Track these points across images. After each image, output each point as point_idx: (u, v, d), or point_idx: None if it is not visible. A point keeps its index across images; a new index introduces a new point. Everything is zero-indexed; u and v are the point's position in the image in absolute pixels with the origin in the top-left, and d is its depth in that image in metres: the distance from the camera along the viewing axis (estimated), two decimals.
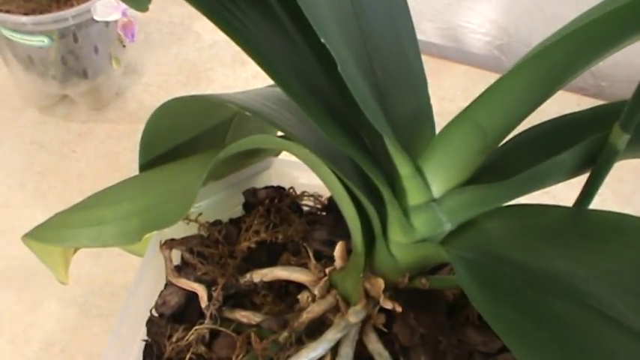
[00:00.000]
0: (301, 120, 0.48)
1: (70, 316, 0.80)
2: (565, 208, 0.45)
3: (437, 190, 0.45)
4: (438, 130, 0.45)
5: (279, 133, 0.49)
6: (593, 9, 0.42)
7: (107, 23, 0.92)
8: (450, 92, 1.04)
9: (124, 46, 0.92)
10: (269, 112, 0.48)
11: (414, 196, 0.45)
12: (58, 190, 0.94)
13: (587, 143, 0.42)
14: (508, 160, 0.47)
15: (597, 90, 1.09)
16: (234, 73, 1.07)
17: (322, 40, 0.37)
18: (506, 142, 0.47)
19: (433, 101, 0.93)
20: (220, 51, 1.08)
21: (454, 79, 1.06)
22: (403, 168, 0.44)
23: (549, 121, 0.48)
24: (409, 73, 0.49)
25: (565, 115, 0.48)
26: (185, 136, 0.59)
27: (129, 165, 0.96)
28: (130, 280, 0.83)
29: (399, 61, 0.49)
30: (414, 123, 0.48)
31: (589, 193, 0.44)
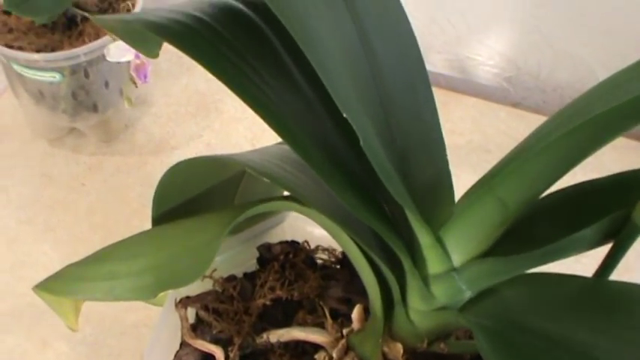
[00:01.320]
0: (318, 184, 0.48)
1: (79, 356, 0.80)
2: (586, 278, 0.45)
3: (457, 260, 0.45)
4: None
5: None
6: (617, 81, 0.42)
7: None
8: (459, 125, 1.04)
9: (136, 86, 0.92)
10: (286, 175, 0.48)
11: (434, 265, 0.45)
12: (68, 225, 0.94)
13: (609, 219, 0.42)
14: (529, 228, 0.47)
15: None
16: (242, 104, 1.06)
17: (344, 115, 0.37)
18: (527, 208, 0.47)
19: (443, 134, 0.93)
20: None
21: (463, 111, 1.06)
22: (424, 238, 0.44)
23: (572, 186, 0.48)
24: (428, 139, 0.49)
25: (583, 183, 0.48)
26: (197, 190, 0.59)
27: (138, 199, 0.96)
28: (141, 318, 0.83)
29: (418, 128, 0.49)
30: (433, 190, 0.48)
31: (610, 264, 0.44)
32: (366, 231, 0.47)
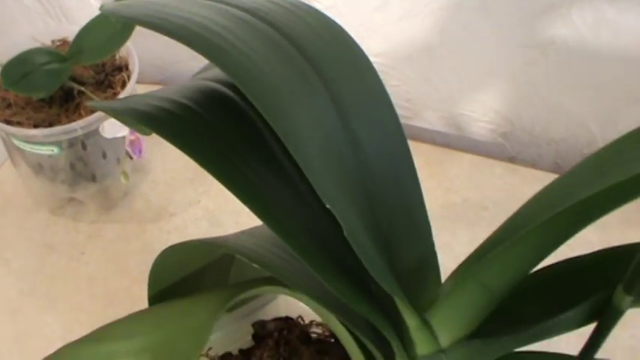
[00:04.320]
0: (304, 266, 0.49)
1: None
2: (571, 357, 0.45)
3: (444, 341, 0.45)
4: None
5: None
6: (600, 160, 0.43)
7: None
8: (455, 183, 1.04)
9: (132, 159, 0.93)
10: (275, 260, 0.49)
11: (422, 347, 0.46)
12: (69, 295, 0.95)
13: (592, 302, 0.42)
14: (516, 308, 0.47)
15: None
16: None
17: (327, 206, 0.38)
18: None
19: (438, 193, 0.94)
20: None
21: (459, 168, 1.07)
22: (411, 320, 0.45)
23: (552, 266, 0.48)
24: (413, 222, 0.50)
25: (566, 261, 0.48)
26: (191, 269, 0.60)
27: (138, 266, 0.96)
28: None
29: (403, 212, 0.50)
30: (419, 272, 0.49)
31: (594, 344, 0.44)
32: (355, 313, 0.48)
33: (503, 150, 1.14)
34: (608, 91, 1.01)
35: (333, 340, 0.63)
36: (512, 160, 1.13)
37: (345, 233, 0.39)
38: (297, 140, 0.39)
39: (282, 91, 0.41)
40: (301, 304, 0.63)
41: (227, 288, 0.55)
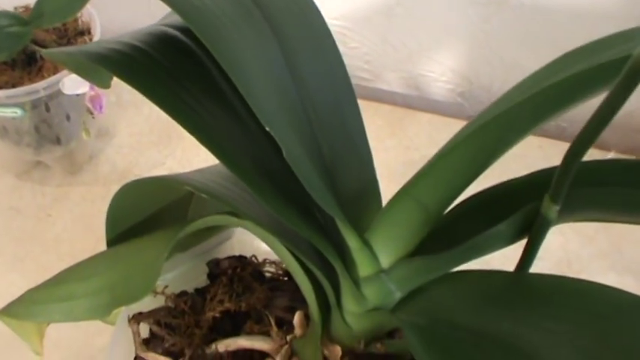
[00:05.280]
0: (256, 199, 0.50)
1: None
2: (508, 273, 0.46)
3: (385, 262, 0.47)
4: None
5: None
6: (524, 83, 0.44)
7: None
8: (414, 141, 1.06)
9: (93, 117, 0.94)
10: (224, 192, 0.50)
11: (363, 268, 0.47)
12: (36, 255, 0.96)
13: (522, 214, 0.44)
14: (453, 228, 0.49)
15: (558, 131, 1.11)
16: None
17: (267, 129, 0.40)
18: (451, 208, 0.49)
19: (399, 151, 0.96)
20: None
21: (418, 127, 1.08)
22: (352, 241, 0.46)
23: (491, 188, 0.50)
24: (355, 149, 0.52)
25: (505, 182, 0.50)
26: (149, 211, 0.61)
27: (103, 227, 0.97)
28: (108, 342, 0.84)
29: (345, 140, 0.51)
30: (361, 198, 0.50)
31: (528, 258, 0.46)
32: (300, 240, 0.49)
33: (462, 110, 1.16)
34: (564, 47, 1.03)
35: (286, 279, 0.64)
36: (471, 119, 1.15)
37: (285, 154, 0.40)
38: (238, 68, 0.41)
39: (226, 25, 0.43)
40: (255, 244, 0.65)
41: (179, 224, 0.56)
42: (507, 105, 0.39)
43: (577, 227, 0.95)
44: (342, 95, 0.53)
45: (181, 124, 0.42)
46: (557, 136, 1.09)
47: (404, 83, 1.16)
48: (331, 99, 0.52)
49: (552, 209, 0.42)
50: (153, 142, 1.10)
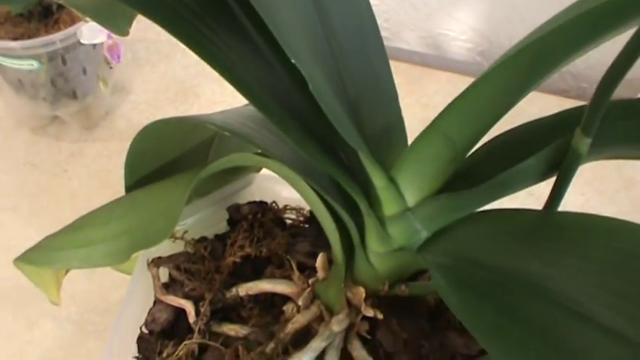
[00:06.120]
0: (279, 138, 0.49)
1: (65, 334, 0.82)
2: (536, 211, 0.46)
3: (411, 200, 0.46)
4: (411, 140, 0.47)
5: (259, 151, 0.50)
6: (557, 16, 0.43)
7: (94, 45, 0.93)
8: (433, 99, 1.05)
9: (110, 67, 0.94)
10: (247, 131, 0.49)
11: (389, 207, 0.46)
12: (52, 210, 0.96)
13: (552, 148, 0.43)
14: (480, 168, 0.48)
15: (579, 92, 1.10)
16: (220, 87, 1.08)
17: (292, 61, 0.39)
18: (478, 148, 0.49)
19: (417, 108, 0.95)
20: (207, 67, 1.06)
21: (437, 85, 1.07)
22: (377, 180, 0.45)
23: (518, 127, 0.49)
24: (380, 88, 0.51)
25: (533, 121, 0.49)
26: (169, 157, 0.60)
27: (120, 182, 0.96)
28: (124, 296, 0.84)
29: (370, 77, 0.50)
30: (386, 135, 0.50)
31: (557, 196, 0.45)
32: (325, 178, 0.48)
33: (481, 69, 1.15)
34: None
35: (307, 226, 0.64)
36: None
37: (311, 87, 0.39)
38: (265, 3, 0.40)
39: None
40: (276, 190, 0.64)
41: (199, 167, 0.56)
42: (540, 33, 0.38)
43: (598, 187, 0.94)
44: (368, 34, 0.52)
45: (204, 59, 0.41)
46: (579, 96, 1.08)
47: (423, 42, 1.14)
48: (357, 37, 0.51)
49: (584, 142, 0.41)
50: (169, 99, 1.10)
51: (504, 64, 0.39)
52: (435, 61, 1.16)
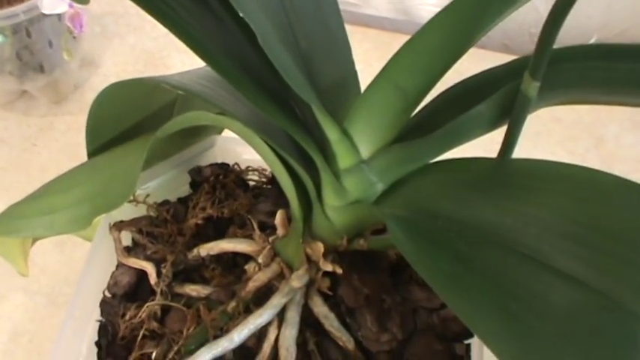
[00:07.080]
0: (235, 97, 0.49)
1: (37, 306, 0.81)
2: (489, 159, 0.45)
3: (365, 152, 0.46)
4: None
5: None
6: None
7: (59, 17, 0.92)
8: None
9: (74, 37, 0.93)
10: (202, 89, 0.49)
11: (343, 159, 0.46)
12: (21, 184, 0.95)
13: (501, 94, 0.43)
14: (433, 119, 0.48)
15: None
16: (190, 58, 1.08)
17: (241, 14, 0.38)
18: (430, 101, 0.49)
19: None
20: (176, 38, 1.07)
21: None
22: (331, 133, 0.45)
23: (470, 77, 0.49)
24: (333, 41, 0.50)
25: (484, 71, 0.49)
26: (130, 122, 0.60)
27: None
28: None
29: (323, 31, 0.50)
30: (340, 89, 0.49)
31: (510, 143, 0.45)
32: (281, 135, 0.48)
33: None
34: None
35: (269, 187, 0.64)
36: None
37: (260, 41, 0.39)
38: None
39: None
40: (237, 151, 0.64)
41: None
42: None
43: (568, 147, 0.94)
44: None
45: (158, 20, 0.41)
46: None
47: (392, 8, 1.14)
48: None
49: (533, 86, 0.41)
50: (139, 72, 1.09)
51: (448, 9, 0.39)
52: (405, 26, 1.16)
